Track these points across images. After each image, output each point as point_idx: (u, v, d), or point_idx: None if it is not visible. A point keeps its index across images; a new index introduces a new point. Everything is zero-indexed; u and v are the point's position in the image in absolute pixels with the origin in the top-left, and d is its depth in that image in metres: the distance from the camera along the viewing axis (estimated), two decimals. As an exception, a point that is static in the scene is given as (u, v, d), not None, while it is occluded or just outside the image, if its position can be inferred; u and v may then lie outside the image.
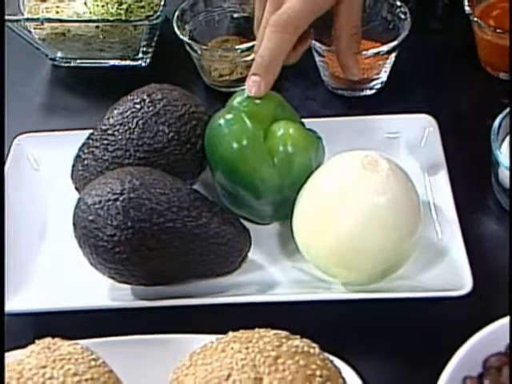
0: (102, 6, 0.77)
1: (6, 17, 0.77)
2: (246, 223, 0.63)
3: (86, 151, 0.65)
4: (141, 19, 0.78)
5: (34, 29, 0.79)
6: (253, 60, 0.75)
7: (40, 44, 0.80)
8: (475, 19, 0.74)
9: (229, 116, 0.61)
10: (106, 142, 0.64)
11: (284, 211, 0.62)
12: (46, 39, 0.80)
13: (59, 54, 0.83)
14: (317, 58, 0.76)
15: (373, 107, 0.76)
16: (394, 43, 0.74)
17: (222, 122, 0.61)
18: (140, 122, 0.63)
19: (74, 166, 0.66)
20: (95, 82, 0.82)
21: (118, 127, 0.63)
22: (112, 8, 0.77)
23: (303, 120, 0.67)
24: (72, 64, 0.83)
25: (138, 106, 0.63)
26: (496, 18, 0.76)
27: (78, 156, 0.65)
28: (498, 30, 0.73)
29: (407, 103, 0.75)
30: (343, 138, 0.68)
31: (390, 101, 0.76)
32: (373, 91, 0.77)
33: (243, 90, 0.64)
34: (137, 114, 0.63)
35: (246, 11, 0.80)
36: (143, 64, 0.82)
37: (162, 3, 0.78)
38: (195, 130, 0.64)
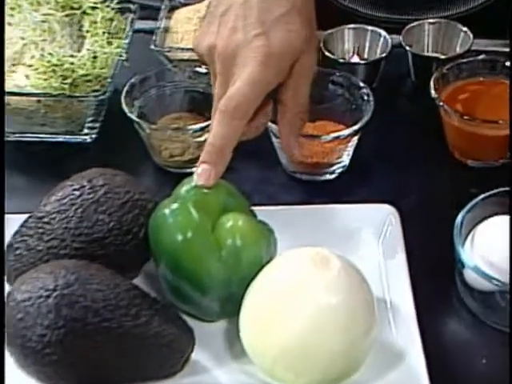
0: (45, 80, 0.81)
1: None
2: (190, 320, 0.65)
3: (18, 239, 0.67)
4: (87, 95, 0.81)
5: (-29, 101, 0.82)
6: (206, 140, 0.79)
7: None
8: (441, 104, 0.79)
9: (174, 206, 0.64)
10: (40, 230, 0.66)
11: (231, 308, 0.64)
12: (-17, 112, 0.83)
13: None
14: (273, 139, 0.80)
15: (333, 193, 0.80)
16: (356, 127, 0.78)
17: (166, 211, 0.64)
18: (78, 210, 0.66)
19: (5, 255, 0.68)
20: (36, 158, 0.85)
21: (54, 215, 0.66)
22: (55, 82, 0.80)
23: (258, 207, 0.71)
24: (11, 138, 0.86)
25: (77, 193, 0.66)
26: (464, 102, 0.81)
27: (9, 245, 0.67)
28: (466, 117, 0.77)
29: (369, 189, 0.80)
30: (299, 228, 0.72)
31: (352, 186, 0.80)
32: (334, 175, 0.81)
33: (191, 177, 0.67)
34: (75, 202, 0.66)
35: (200, 86, 0.85)
36: (89, 140, 0.86)
37: (110, 77, 0.82)
38: (138, 219, 0.67)
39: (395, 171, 0.82)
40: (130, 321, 0.60)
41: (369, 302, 0.61)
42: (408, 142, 0.84)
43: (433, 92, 0.80)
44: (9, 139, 0.86)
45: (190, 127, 0.80)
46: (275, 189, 0.81)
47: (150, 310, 0.62)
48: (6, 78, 0.82)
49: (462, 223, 0.67)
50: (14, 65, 0.84)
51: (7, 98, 0.81)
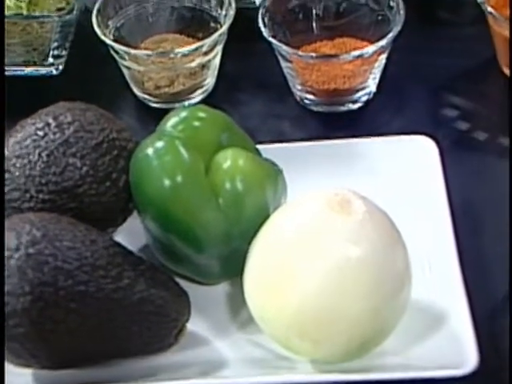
0: (-4, -2, 0.82)
1: None
2: (184, 283, 0.68)
3: (-27, 192, 0.69)
4: (49, 14, 0.82)
5: None
6: (198, 67, 0.81)
7: None
8: (489, 10, 0.80)
9: (159, 144, 0.66)
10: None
11: (234, 267, 0.66)
12: None
13: None
14: (283, 64, 0.82)
15: (357, 126, 0.82)
16: (383, 42, 0.79)
17: (150, 151, 0.66)
18: (44, 154, 0.67)
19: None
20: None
21: (14, 161, 0.68)
22: (10, 1, 0.82)
23: (264, 145, 0.72)
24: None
25: (40, 133, 0.68)
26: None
27: (-38, 198, 0.70)
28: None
29: (401, 120, 0.81)
30: (315, 168, 0.74)
31: (380, 117, 0.82)
32: (357, 105, 0.83)
33: (179, 109, 0.69)
34: (39, 144, 0.68)
35: (190, 1, 0.86)
36: (54, 71, 0.87)
37: (78, -9, 0.84)
38: (117, 163, 0.68)
39: (432, 97, 0.83)
40: (110, 283, 0.62)
41: (400, 254, 0.63)
42: (448, 60, 0.86)
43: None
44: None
45: (178, 50, 0.81)
46: (286, 124, 0.83)
47: (134, 270, 0.64)
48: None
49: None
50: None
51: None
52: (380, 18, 0.82)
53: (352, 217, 0.62)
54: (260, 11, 0.82)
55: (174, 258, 0.68)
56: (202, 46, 0.81)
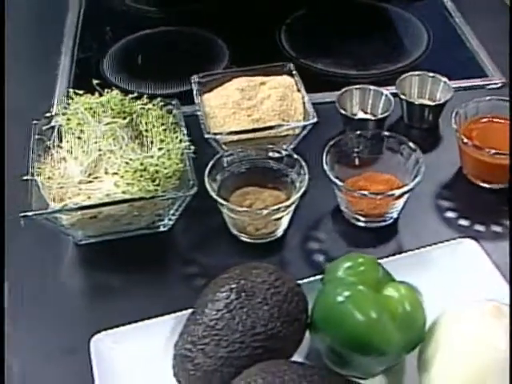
0: (136, 185, 0.65)
1: (35, 211, 0.63)
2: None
3: (193, 350, 0.52)
4: (176, 195, 0.65)
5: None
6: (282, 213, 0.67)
7: (67, 229, 0.66)
8: (458, 135, 0.72)
9: (346, 293, 0.53)
10: (217, 337, 0.52)
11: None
12: (75, 224, 0.66)
13: (80, 233, 0.69)
14: (337, 193, 0.69)
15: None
16: (409, 187, 0.67)
17: (340, 299, 0.53)
18: (250, 311, 0.52)
19: (175, 365, 0.53)
20: (117, 255, 0.68)
21: (226, 322, 0.52)
22: (148, 186, 0.65)
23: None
24: (92, 240, 0.69)
25: (232, 297, 0.53)
26: (477, 136, 0.74)
27: (184, 356, 0.53)
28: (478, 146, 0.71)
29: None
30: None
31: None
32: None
33: (341, 259, 0.56)
34: (243, 303, 0.53)
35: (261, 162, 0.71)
36: (163, 228, 0.70)
37: (190, 170, 0.67)
38: (299, 307, 0.54)
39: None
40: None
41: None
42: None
43: (454, 126, 0.72)
44: (89, 242, 0.69)
45: (267, 210, 0.65)
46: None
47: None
48: (92, 188, 0.66)
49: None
50: (90, 174, 0.67)
51: (98, 210, 0.65)
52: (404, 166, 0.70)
53: (506, 319, 0.51)
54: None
55: (346, 365, 0.54)
56: (290, 205, 0.66)
